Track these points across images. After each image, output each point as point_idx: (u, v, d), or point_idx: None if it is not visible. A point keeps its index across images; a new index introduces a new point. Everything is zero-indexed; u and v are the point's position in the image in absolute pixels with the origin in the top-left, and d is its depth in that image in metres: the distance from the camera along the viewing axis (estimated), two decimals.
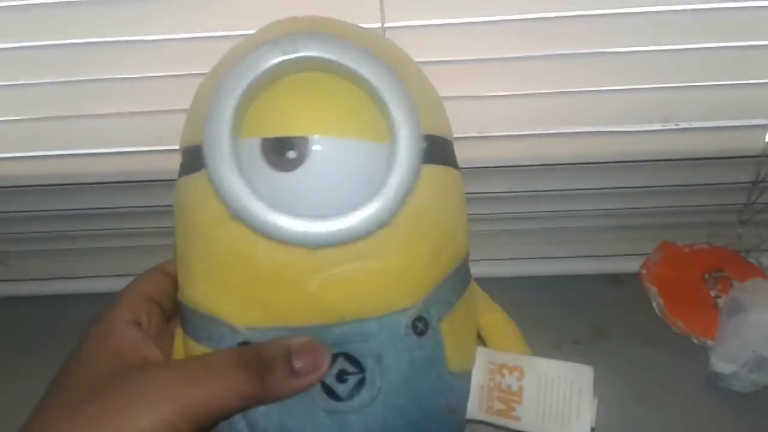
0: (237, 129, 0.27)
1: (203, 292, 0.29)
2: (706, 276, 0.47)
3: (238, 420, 0.29)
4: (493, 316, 0.35)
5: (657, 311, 0.47)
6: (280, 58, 0.27)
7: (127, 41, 0.40)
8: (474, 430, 0.35)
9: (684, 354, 0.44)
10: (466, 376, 0.33)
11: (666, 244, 0.49)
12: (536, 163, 0.45)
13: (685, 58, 0.41)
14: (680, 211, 0.48)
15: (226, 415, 0.28)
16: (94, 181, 0.45)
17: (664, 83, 0.42)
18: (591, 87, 0.42)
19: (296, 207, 0.27)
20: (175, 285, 0.32)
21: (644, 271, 0.48)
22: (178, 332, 0.31)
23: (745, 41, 0.40)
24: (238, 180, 0.26)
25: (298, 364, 0.27)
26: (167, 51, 0.40)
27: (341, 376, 0.29)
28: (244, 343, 0.28)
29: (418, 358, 0.29)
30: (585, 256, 0.50)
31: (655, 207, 0.48)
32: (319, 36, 0.27)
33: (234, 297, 0.28)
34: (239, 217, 0.27)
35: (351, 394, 0.28)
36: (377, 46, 0.29)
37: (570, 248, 0.51)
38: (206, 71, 0.31)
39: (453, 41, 0.40)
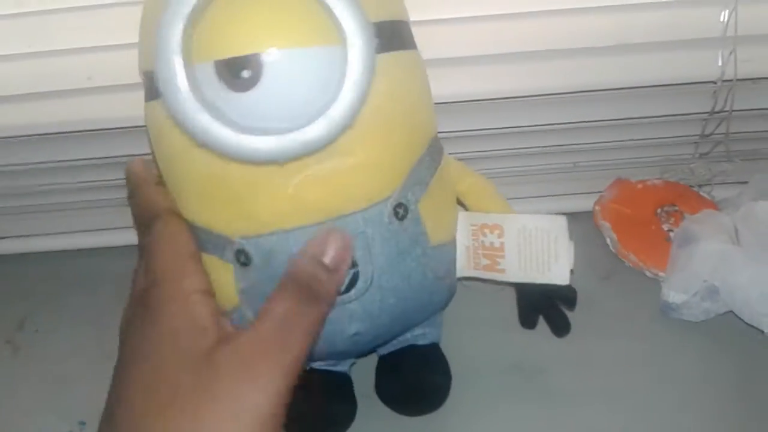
0: (188, 55, 0.26)
1: (194, 209, 0.31)
2: (659, 210, 0.48)
3: None
4: (470, 181, 0.37)
5: (611, 247, 0.47)
6: None
7: None
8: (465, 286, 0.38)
9: (637, 287, 0.45)
10: (448, 245, 0.35)
11: (619, 180, 0.49)
12: (486, 98, 0.43)
13: None
14: (635, 145, 0.47)
15: None
16: (64, 130, 0.42)
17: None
18: (537, 7, 0.40)
19: (260, 124, 0.26)
20: None
21: (598, 208, 0.48)
22: None
23: None
24: (197, 110, 0.25)
25: (327, 260, 0.28)
26: None
27: None
28: (239, 252, 0.30)
29: (402, 241, 0.31)
30: (540, 196, 0.50)
31: (610, 141, 0.47)
32: None
33: (220, 212, 0.30)
34: (205, 145, 0.26)
35: (348, 288, 0.31)
36: None
37: (525, 189, 0.50)
38: None
39: None
